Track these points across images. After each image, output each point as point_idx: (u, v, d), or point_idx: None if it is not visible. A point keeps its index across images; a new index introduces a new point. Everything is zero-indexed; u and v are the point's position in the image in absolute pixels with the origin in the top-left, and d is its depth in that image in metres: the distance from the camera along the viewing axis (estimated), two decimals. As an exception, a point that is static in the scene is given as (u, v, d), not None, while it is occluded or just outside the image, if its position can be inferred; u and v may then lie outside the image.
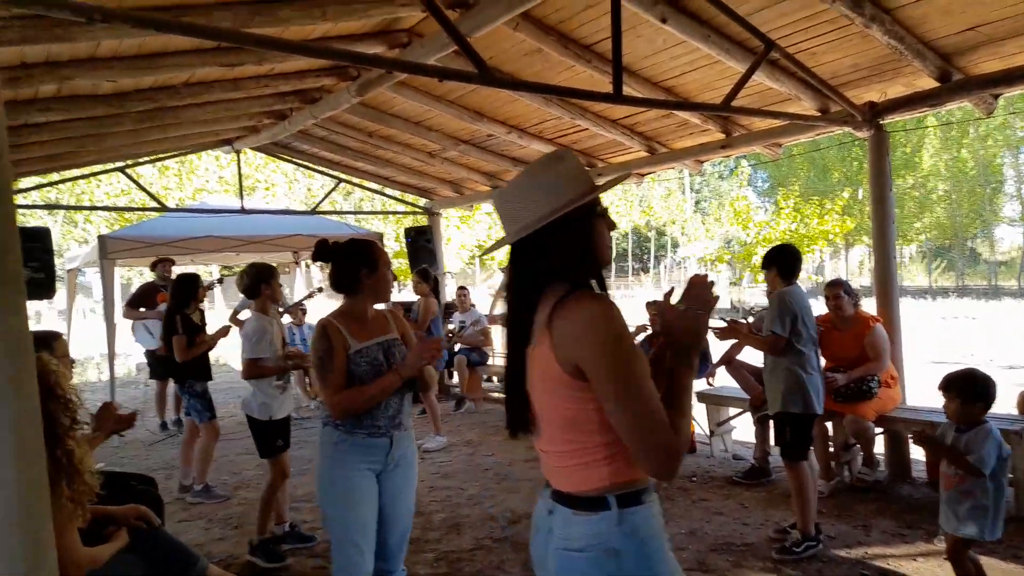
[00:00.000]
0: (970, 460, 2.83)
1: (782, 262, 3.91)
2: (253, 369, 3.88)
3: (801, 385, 3.76)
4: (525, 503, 4.63)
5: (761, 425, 5.14)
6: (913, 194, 31.94)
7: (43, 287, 5.96)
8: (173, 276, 7.31)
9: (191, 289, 5.14)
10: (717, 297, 1.60)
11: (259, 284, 4.01)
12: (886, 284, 5.11)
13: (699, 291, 1.57)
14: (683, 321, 1.53)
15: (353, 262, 2.54)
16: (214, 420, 5.05)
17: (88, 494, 2.23)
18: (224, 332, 5.43)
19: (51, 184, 7.83)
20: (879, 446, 4.93)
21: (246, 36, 2.50)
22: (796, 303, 3.80)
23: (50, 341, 2.95)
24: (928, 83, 4.49)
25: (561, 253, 1.48)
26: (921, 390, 5.23)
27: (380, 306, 2.70)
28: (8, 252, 1.87)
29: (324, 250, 2.60)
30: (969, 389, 2.93)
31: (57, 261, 9.97)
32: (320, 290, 7.62)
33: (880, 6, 3.80)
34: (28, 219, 19.29)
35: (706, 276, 1.63)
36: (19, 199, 6.71)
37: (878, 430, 4.80)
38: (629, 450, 1.41)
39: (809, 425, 3.85)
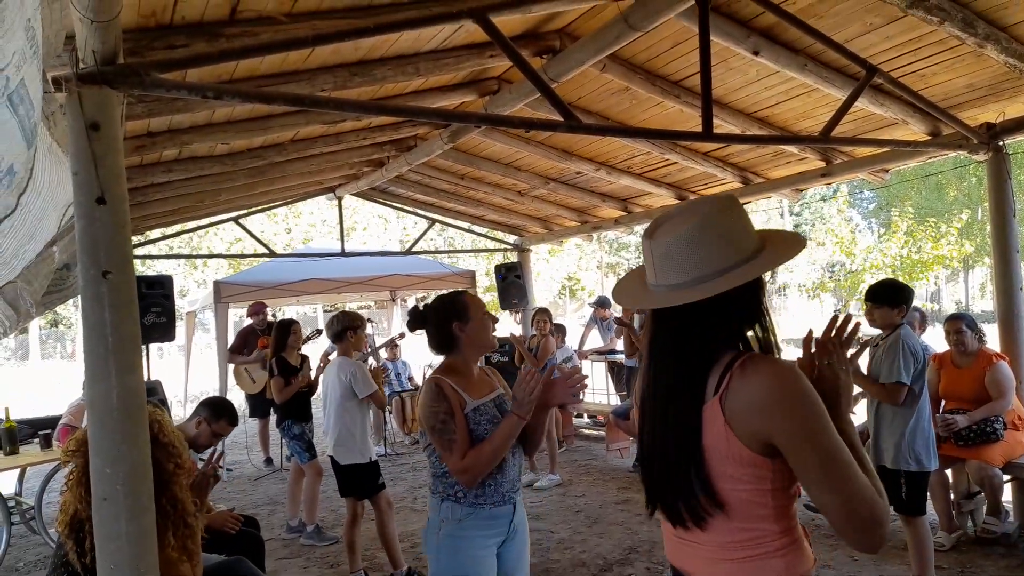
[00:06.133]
0: None
1: (900, 298, 3.62)
2: (382, 398, 4.46)
3: (917, 440, 3.47)
4: (616, 549, 4.51)
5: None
6: (1042, 208, 29.28)
7: (164, 331, 6.41)
8: (268, 320, 7.77)
9: (287, 334, 5.40)
10: (859, 347, 1.44)
11: (346, 331, 4.40)
12: (1010, 320, 4.63)
13: (835, 340, 1.41)
14: (821, 384, 1.37)
15: (443, 318, 2.40)
16: (315, 460, 5.21)
17: (192, 537, 2.32)
18: (319, 371, 5.59)
19: (174, 236, 8.50)
20: (1007, 494, 4.46)
21: (340, 102, 2.63)
22: (918, 346, 3.53)
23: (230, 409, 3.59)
24: (1054, 100, 4.15)
25: (740, 313, 1.32)
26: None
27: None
28: (127, 316, 2.04)
29: (416, 316, 2.48)
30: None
31: (179, 301, 10.78)
32: (402, 336, 7.79)
33: (995, 24, 3.54)
34: (155, 264, 21.03)
35: (845, 319, 1.43)
36: (145, 250, 7.29)
37: (1006, 477, 4.36)
38: (800, 537, 1.32)
39: (925, 480, 3.55)
